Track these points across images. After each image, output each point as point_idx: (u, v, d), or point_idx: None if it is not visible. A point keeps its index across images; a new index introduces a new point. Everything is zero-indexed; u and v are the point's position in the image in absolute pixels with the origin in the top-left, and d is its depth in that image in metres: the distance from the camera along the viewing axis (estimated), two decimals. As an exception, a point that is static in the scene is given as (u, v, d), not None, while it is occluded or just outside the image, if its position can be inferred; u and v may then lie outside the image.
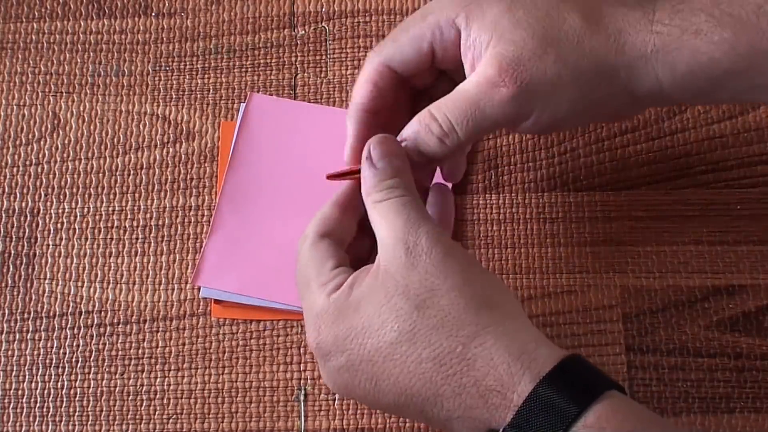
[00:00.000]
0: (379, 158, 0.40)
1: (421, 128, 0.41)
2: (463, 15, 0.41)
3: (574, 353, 0.37)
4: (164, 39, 0.56)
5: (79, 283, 0.51)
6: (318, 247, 0.40)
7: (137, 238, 0.52)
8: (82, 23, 0.56)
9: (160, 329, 0.50)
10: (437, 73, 0.44)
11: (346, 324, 0.38)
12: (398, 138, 0.41)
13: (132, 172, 0.53)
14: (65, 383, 0.49)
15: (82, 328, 0.50)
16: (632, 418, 0.35)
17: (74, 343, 0.50)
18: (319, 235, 0.41)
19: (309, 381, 0.49)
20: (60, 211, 0.52)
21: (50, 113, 0.54)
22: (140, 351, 0.50)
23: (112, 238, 0.52)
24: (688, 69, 0.39)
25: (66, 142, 0.54)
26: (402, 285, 0.37)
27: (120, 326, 0.50)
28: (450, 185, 0.49)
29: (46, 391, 0.49)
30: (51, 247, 0.52)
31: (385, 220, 0.39)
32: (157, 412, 0.49)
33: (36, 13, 0.56)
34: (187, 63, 0.55)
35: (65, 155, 0.53)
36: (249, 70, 0.55)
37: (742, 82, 0.40)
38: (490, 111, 0.39)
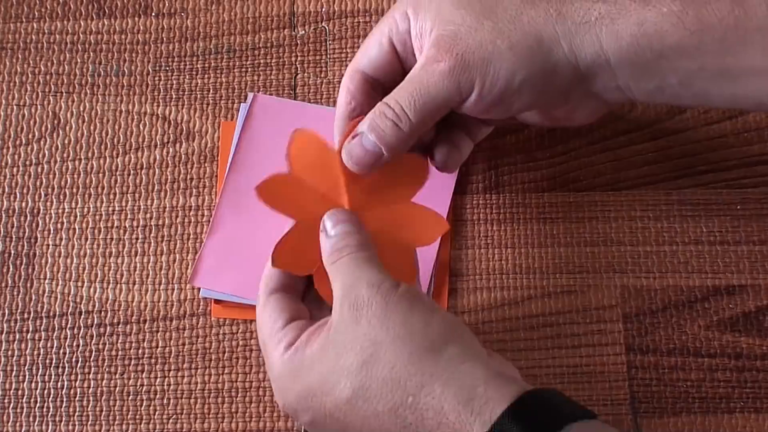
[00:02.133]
0: (331, 227, 0.41)
1: (375, 116, 0.41)
2: (411, 7, 0.42)
3: (533, 389, 0.36)
4: (164, 39, 0.56)
5: (79, 283, 0.51)
6: (267, 306, 0.41)
7: (137, 238, 0.52)
8: (82, 23, 0.56)
9: (160, 329, 0.50)
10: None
11: (304, 384, 0.38)
12: (356, 131, 0.42)
13: (132, 172, 0.53)
14: (65, 383, 0.49)
15: (82, 328, 0.50)
16: None
17: (74, 343, 0.50)
18: (267, 293, 0.42)
19: (309, 381, 0.49)
20: (60, 211, 0.52)
21: (50, 113, 0.54)
22: (140, 351, 0.50)
23: (112, 238, 0.52)
24: (633, 39, 0.39)
25: (66, 142, 0.54)
26: (349, 341, 0.37)
27: (120, 326, 0.50)
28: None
29: (46, 391, 0.49)
30: (51, 247, 0.52)
31: (335, 279, 0.39)
32: (157, 412, 0.49)
33: (36, 13, 0.56)
34: (187, 63, 0.55)
35: (65, 155, 0.53)
36: (249, 70, 0.55)
37: (690, 63, 0.39)
38: (433, 88, 0.40)
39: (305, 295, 0.44)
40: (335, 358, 0.37)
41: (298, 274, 0.43)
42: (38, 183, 0.53)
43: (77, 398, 0.49)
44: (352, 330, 0.37)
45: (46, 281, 0.51)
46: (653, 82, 0.40)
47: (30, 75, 0.55)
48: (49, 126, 0.54)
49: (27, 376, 0.49)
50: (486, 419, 0.34)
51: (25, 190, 0.53)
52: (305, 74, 0.55)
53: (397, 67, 0.44)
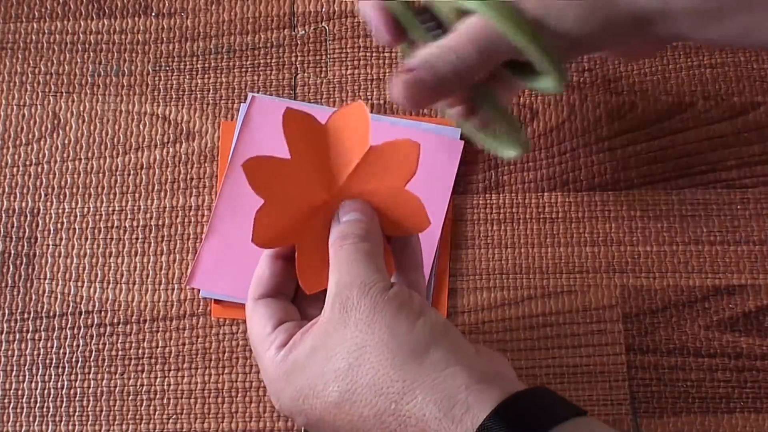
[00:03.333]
0: (343, 214, 0.41)
1: (433, 48, 0.41)
2: None
3: (517, 391, 0.35)
4: (164, 39, 0.56)
5: (79, 283, 0.51)
6: (255, 312, 0.41)
7: (137, 238, 0.52)
8: (82, 23, 0.56)
9: (160, 329, 0.50)
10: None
11: (295, 386, 0.38)
12: (411, 64, 0.42)
13: (132, 172, 0.53)
14: (65, 383, 0.49)
15: (82, 328, 0.50)
16: None
17: (74, 343, 0.50)
18: (255, 298, 0.41)
19: (309, 381, 0.49)
20: (60, 211, 0.52)
21: (50, 113, 0.54)
22: (140, 351, 0.50)
23: (112, 238, 0.52)
24: None
25: (66, 142, 0.54)
26: (338, 344, 0.37)
27: (120, 326, 0.50)
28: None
29: (46, 391, 0.49)
30: (51, 247, 0.52)
31: (334, 268, 0.39)
32: (157, 412, 0.49)
33: (36, 13, 0.56)
34: (187, 63, 0.55)
35: (65, 155, 0.53)
36: (249, 70, 0.55)
37: (751, 16, 0.39)
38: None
39: (296, 295, 0.43)
40: (324, 360, 0.37)
41: (277, 246, 0.43)
42: (38, 183, 0.53)
43: (77, 398, 0.49)
44: (340, 332, 0.37)
45: (46, 281, 0.51)
46: (715, 32, 0.40)
47: (30, 75, 0.55)
48: (49, 126, 0.54)
49: (27, 376, 0.49)
50: (467, 426, 0.34)
51: (25, 190, 0.53)
52: (305, 74, 0.55)
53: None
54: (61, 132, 0.54)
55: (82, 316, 0.50)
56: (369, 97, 0.54)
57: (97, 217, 0.52)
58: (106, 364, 0.49)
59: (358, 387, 0.36)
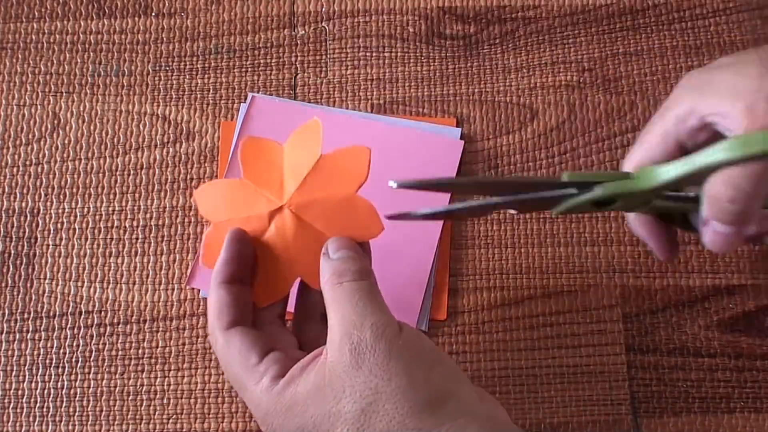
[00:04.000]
0: (334, 251, 0.40)
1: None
2: (699, 98, 0.41)
3: None
4: (164, 39, 0.56)
5: (79, 283, 0.51)
6: (230, 343, 0.39)
7: (137, 238, 0.52)
8: (82, 23, 0.56)
9: (160, 329, 0.50)
10: None
11: (297, 422, 0.37)
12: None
13: (132, 172, 0.53)
14: (65, 383, 0.49)
15: (82, 328, 0.50)
16: None
17: (74, 343, 0.50)
18: (223, 328, 0.40)
19: (309, 381, 0.49)
20: (60, 211, 0.52)
21: (50, 113, 0.54)
22: (140, 351, 0.50)
23: (112, 238, 0.52)
24: None
25: (66, 142, 0.54)
26: (348, 386, 0.36)
27: (120, 326, 0.50)
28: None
29: (46, 391, 0.49)
30: (51, 247, 0.52)
31: (334, 306, 0.38)
32: (157, 412, 0.49)
33: (36, 13, 0.56)
34: (187, 63, 0.55)
35: (65, 155, 0.53)
36: (249, 70, 0.55)
37: None
38: None
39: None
40: (333, 401, 0.36)
41: (204, 214, 0.43)
42: (38, 183, 0.53)
43: (77, 398, 0.49)
44: (352, 375, 0.36)
45: (46, 281, 0.51)
46: None
47: (30, 75, 0.55)
48: (49, 126, 0.54)
49: (27, 376, 0.49)
50: None
51: (25, 190, 0.53)
52: (305, 74, 0.55)
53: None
54: (61, 132, 0.54)
55: (82, 316, 0.50)
56: (369, 97, 0.54)
57: (97, 217, 0.52)
58: (106, 364, 0.49)
59: None
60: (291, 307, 0.43)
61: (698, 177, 0.40)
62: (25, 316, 0.50)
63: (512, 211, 0.43)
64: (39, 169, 0.53)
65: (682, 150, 0.43)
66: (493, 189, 0.42)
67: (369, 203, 0.43)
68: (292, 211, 0.43)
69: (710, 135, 0.42)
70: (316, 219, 0.43)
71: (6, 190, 0.53)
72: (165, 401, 0.49)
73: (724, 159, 0.38)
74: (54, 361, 0.50)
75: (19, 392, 0.49)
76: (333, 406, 0.36)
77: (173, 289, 0.51)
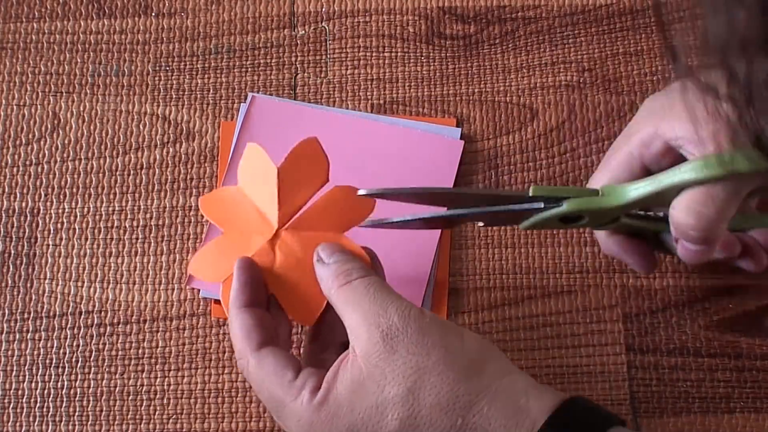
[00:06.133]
0: (328, 256, 0.41)
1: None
2: (663, 123, 0.42)
3: (570, 396, 0.37)
4: (164, 39, 0.56)
5: (79, 283, 0.51)
6: (265, 363, 0.39)
7: (137, 238, 0.52)
8: (82, 23, 0.56)
9: (160, 329, 0.50)
10: None
11: (344, 424, 0.37)
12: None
13: (132, 172, 0.53)
14: (65, 383, 0.49)
15: (82, 328, 0.50)
16: None
17: (74, 343, 0.50)
18: (255, 350, 0.40)
19: (309, 381, 0.49)
20: (60, 211, 0.52)
21: (50, 113, 0.54)
22: (140, 351, 0.50)
23: (112, 238, 0.52)
24: None
25: (66, 142, 0.54)
26: (389, 372, 0.36)
27: (120, 326, 0.50)
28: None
29: (46, 391, 0.49)
30: (51, 247, 0.52)
31: (350, 304, 0.38)
32: (157, 412, 0.49)
33: (36, 13, 0.56)
34: (187, 63, 0.55)
35: (65, 155, 0.53)
36: (249, 70, 0.55)
37: None
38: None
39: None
40: (377, 391, 0.36)
41: (207, 281, 0.46)
42: (38, 183, 0.53)
43: (77, 398, 0.49)
44: (390, 360, 0.36)
45: (46, 281, 0.51)
46: None
47: (30, 75, 0.55)
48: (49, 126, 0.54)
49: (27, 376, 0.49)
50: (529, 430, 0.35)
51: (25, 190, 0.53)
52: (305, 74, 0.55)
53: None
54: (61, 132, 0.54)
55: (82, 316, 0.50)
56: (369, 97, 0.54)
57: (97, 217, 0.52)
58: (106, 364, 0.49)
59: (422, 409, 0.36)
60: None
61: (664, 196, 0.40)
62: (25, 316, 0.50)
63: (480, 224, 0.44)
64: (39, 169, 0.53)
65: (648, 173, 0.44)
66: (461, 200, 0.42)
67: (348, 187, 0.44)
68: (288, 230, 0.43)
69: (674, 159, 0.42)
70: (312, 225, 0.43)
71: (6, 190, 0.53)
72: (165, 401, 0.49)
73: (690, 179, 0.39)
74: (54, 361, 0.50)
75: (19, 392, 0.49)
76: (378, 395, 0.36)
77: (173, 289, 0.51)
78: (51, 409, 0.49)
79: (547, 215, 0.41)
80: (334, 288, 0.40)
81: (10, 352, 0.50)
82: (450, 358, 0.37)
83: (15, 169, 0.53)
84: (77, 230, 0.52)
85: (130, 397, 0.49)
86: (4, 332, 0.50)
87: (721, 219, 0.40)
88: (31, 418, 0.49)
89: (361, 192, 0.41)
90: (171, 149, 0.53)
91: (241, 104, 0.54)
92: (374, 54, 0.55)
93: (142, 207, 0.52)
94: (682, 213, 0.40)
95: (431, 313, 0.38)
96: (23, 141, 0.54)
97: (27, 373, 0.49)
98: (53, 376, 0.49)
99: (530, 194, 0.41)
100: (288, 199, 0.44)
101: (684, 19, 0.31)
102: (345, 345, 0.39)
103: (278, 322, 0.42)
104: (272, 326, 0.41)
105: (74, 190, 0.53)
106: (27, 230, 0.52)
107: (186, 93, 0.54)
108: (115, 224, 0.52)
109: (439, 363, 0.36)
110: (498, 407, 0.36)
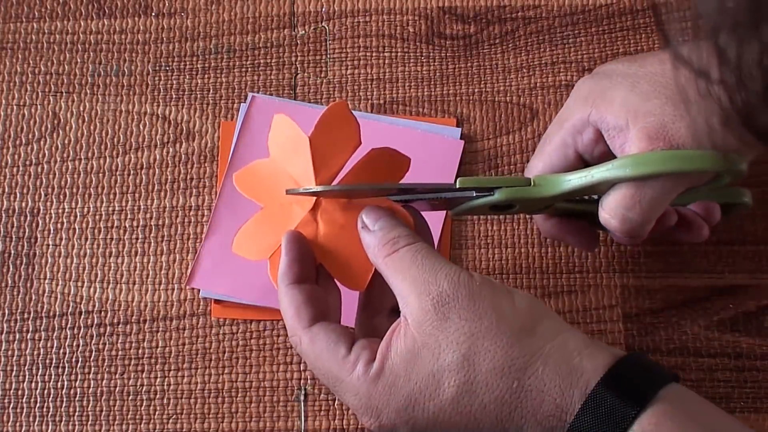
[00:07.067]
0: (373, 222, 0.40)
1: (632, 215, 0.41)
2: (594, 111, 0.42)
3: (624, 355, 0.37)
4: (164, 39, 0.56)
5: (79, 283, 0.51)
6: (318, 339, 0.39)
7: (137, 238, 0.52)
8: (82, 23, 0.56)
9: (160, 329, 0.50)
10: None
11: (402, 395, 0.37)
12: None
13: (132, 172, 0.53)
14: (65, 383, 0.49)
15: (82, 328, 0.50)
16: (684, 419, 0.35)
17: (74, 343, 0.50)
18: (306, 327, 0.39)
19: (309, 381, 0.49)
20: (60, 211, 0.52)
21: (50, 113, 0.54)
22: (140, 351, 0.50)
23: (112, 238, 0.52)
24: None
25: (66, 142, 0.54)
26: (443, 339, 0.36)
27: (120, 326, 0.50)
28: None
29: (46, 391, 0.49)
30: (51, 247, 0.52)
31: (399, 272, 0.38)
32: (157, 412, 0.49)
33: (36, 13, 0.56)
34: (187, 63, 0.55)
35: (65, 155, 0.53)
36: (249, 70, 0.55)
37: None
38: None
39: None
40: (432, 359, 0.36)
41: (252, 259, 0.43)
42: (38, 183, 0.53)
43: (77, 398, 0.49)
44: (443, 327, 0.37)
45: (46, 281, 0.51)
46: None
47: (30, 75, 0.55)
48: (49, 126, 0.54)
49: (27, 376, 0.49)
50: (583, 390, 0.35)
51: (25, 190, 0.53)
52: (305, 74, 0.55)
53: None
54: (61, 132, 0.54)
55: (82, 316, 0.50)
56: (369, 97, 0.54)
57: (97, 217, 0.52)
58: (106, 364, 0.49)
59: (479, 374, 0.36)
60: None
61: (596, 188, 0.41)
62: (25, 316, 0.50)
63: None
64: (39, 169, 0.53)
65: (582, 160, 0.44)
66: (392, 194, 0.42)
67: (385, 148, 0.43)
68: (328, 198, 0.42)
69: (606, 147, 0.43)
70: (337, 214, 0.42)
71: (6, 190, 0.53)
72: (165, 401, 0.49)
73: (621, 175, 0.40)
74: (54, 361, 0.50)
75: (19, 392, 0.49)
76: (434, 364, 0.36)
77: (173, 289, 0.51)
78: (51, 409, 0.49)
79: (477, 203, 0.42)
80: (381, 257, 0.39)
81: (10, 352, 0.50)
82: (502, 321, 0.37)
83: (15, 169, 0.53)
84: (77, 230, 0.52)
85: (130, 397, 0.49)
86: (4, 332, 0.50)
87: (647, 221, 0.40)
88: (31, 418, 0.49)
89: (289, 191, 0.42)
90: (171, 149, 0.53)
91: (241, 104, 0.54)
92: (374, 54, 0.55)
93: (142, 207, 0.52)
94: (608, 215, 0.41)
95: (480, 276, 0.38)
96: (23, 141, 0.54)
97: (27, 373, 0.49)
98: (53, 376, 0.49)
99: (457, 186, 0.41)
100: (323, 166, 0.42)
101: (676, 4, 0.31)
102: (396, 309, 0.39)
103: (328, 292, 0.42)
104: (323, 299, 0.41)
105: (74, 190, 0.53)
106: (27, 230, 0.52)
107: (186, 93, 0.55)
108: (115, 224, 0.52)
109: (492, 327, 0.36)
110: (552, 368, 0.36)
